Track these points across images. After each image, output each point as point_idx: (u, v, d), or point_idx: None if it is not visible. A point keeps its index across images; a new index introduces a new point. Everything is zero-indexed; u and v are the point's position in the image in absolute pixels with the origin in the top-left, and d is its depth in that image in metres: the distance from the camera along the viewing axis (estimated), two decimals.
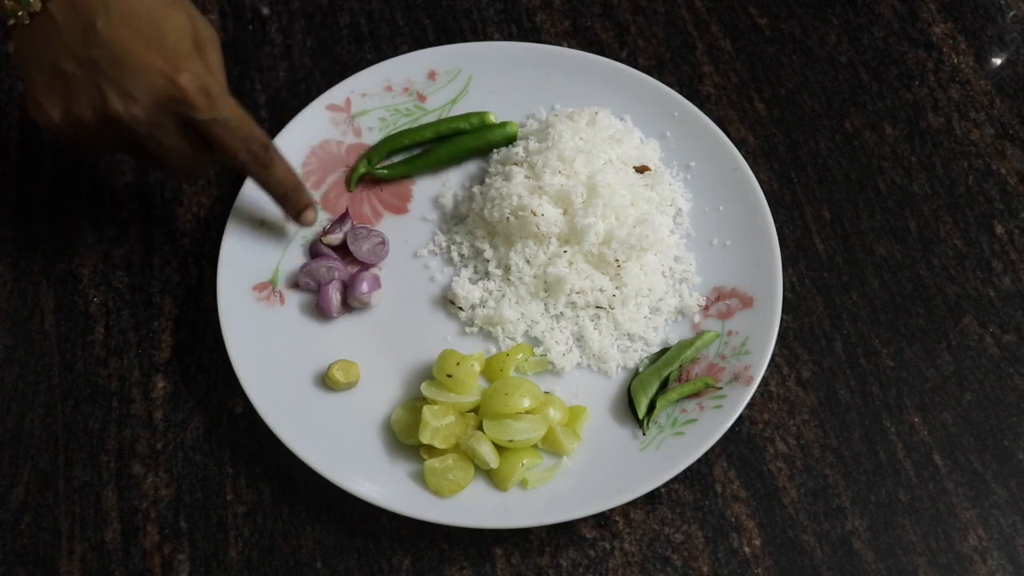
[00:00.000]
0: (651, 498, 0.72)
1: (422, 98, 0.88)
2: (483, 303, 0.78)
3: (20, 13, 0.68)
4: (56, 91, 0.68)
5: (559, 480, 0.71)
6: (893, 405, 0.76)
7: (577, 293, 0.77)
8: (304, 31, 0.94)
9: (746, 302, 0.77)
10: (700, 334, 0.76)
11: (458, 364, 0.73)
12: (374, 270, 0.80)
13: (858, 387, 0.76)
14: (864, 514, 0.71)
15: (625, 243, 0.77)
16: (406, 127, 0.86)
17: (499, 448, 0.71)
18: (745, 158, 0.83)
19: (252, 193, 0.81)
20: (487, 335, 0.78)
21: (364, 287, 0.77)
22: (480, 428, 0.72)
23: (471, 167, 0.86)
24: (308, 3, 0.96)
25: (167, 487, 0.73)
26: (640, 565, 0.70)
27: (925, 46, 0.93)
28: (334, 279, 0.78)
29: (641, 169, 0.82)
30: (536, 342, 0.77)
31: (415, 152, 0.86)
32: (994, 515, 0.71)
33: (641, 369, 0.75)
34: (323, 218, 0.83)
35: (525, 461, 0.70)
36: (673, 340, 0.77)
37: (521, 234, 0.78)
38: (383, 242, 0.81)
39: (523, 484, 0.71)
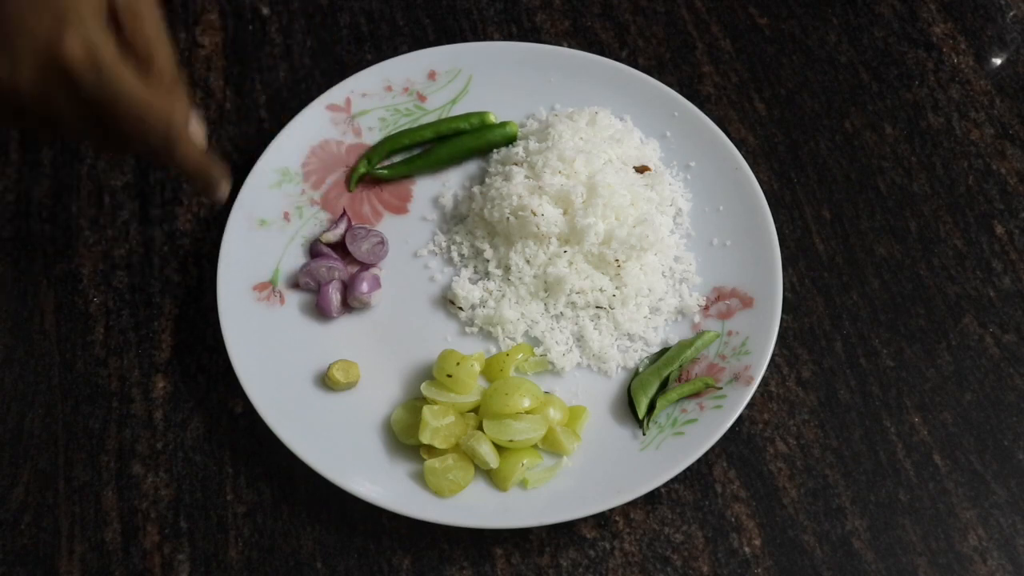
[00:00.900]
0: (651, 498, 0.72)
1: (422, 98, 0.88)
2: (483, 303, 0.78)
3: None
4: None
5: (559, 480, 0.71)
6: (893, 405, 0.76)
7: (577, 293, 0.77)
8: (304, 31, 0.94)
9: (746, 302, 0.77)
10: (700, 334, 0.76)
11: (458, 364, 0.73)
12: (374, 270, 0.80)
13: (858, 387, 0.76)
14: (864, 514, 0.71)
15: (625, 243, 0.77)
16: (406, 127, 0.86)
17: (499, 448, 0.71)
18: (745, 158, 0.83)
19: (252, 193, 0.81)
20: (487, 335, 0.78)
21: (364, 287, 0.77)
22: (480, 428, 0.72)
23: (471, 167, 0.86)
24: (308, 3, 0.96)
25: (167, 487, 0.73)
26: (640, 565, 0.70)
27: (925, 46, 0.93)
28: (334, 279, 0.78)
29: (641, 169, 0.82)
30: (536, 342, 0.77)
31: (415, 152, 0.86)
32: (994, 515, 0.71)
33: (641, 369, 0.75)
34: (323, 218, 0.83)
35: (525, 461, 0.70)
36: (673, 340, 0.77)
37: (521, 234, 0.78)
38: (382, 242, 0.81)
39: (523, 484, 0.71)
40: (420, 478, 0.71)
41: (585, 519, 0.71)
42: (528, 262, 0.78)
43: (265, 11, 0.95)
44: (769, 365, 0.74)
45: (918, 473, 0.73)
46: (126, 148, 0.66)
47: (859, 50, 0.93)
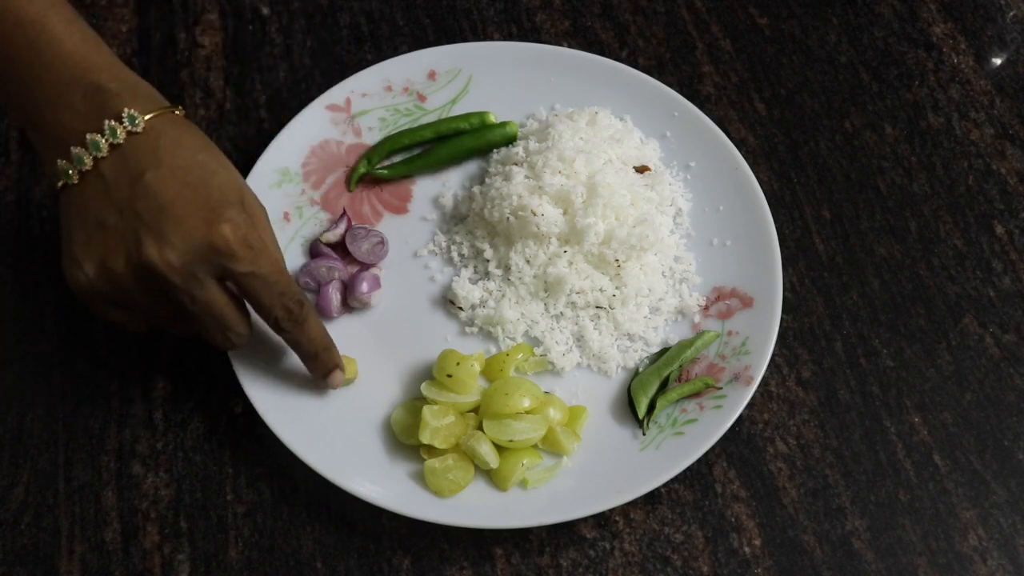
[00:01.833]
0: (651, 498, 0.72)
1: (422, 98, 0.88)
2: (483, 303, 0.78)
3: (71, 172, 0.66)
4: (93, 245, 0.65)
5: (559, 480, 0.71)
6: (893, 405, 0.76)
7: (577, 293, 0.77)
8: (304, 31, 0.94)
9: (746, 302, 0.77)
10: (700, 334, 0.76)
11: (458, 364, 0.73)
12: (374, 270, 0.80)
13: (858, 387, 0.76)
14: (864, 514, 0.71)
15: (625, 243, 0.77)
16: (406, 127, 0.86)
17: (499, 448, 0.71)
18: (745, 158, 0.83)
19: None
20: (487, 335, 0.78)
21: (364, 287, 0.77)
22: (480, 428, 0.72)
23: (471, 167, 0.86)
24: (308, 3, 0.96)
25: (167, 487, 0.73)
26: (640, 565, 0.70)
27: (925, 46, 0.93)
28: (334, 279, 0.78)
29: (641, 169, 0.82)
30: (536, 342, 0.77)
31: (415, 152, 0.86)
32: (994, 515, 0.71)
33: (641, 369, 0.75)
34: (323, 218, 0.83)
35: (525, 461, 0.70)
36: (673, 340, 0.77)
37: (521, 234, 0.78)
38: (382, 242, 0.81)
39: (523, 484, 0.71)
40: (420, 478, 0.71)
41: (585, 519, 0.71)
42: (528, 262, 0.78)
43: (265, 11, 0.95)
44: (769, 365, 0.74)
45: (918, 473, 0.73)
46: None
47: (859, 50, 0.93)
